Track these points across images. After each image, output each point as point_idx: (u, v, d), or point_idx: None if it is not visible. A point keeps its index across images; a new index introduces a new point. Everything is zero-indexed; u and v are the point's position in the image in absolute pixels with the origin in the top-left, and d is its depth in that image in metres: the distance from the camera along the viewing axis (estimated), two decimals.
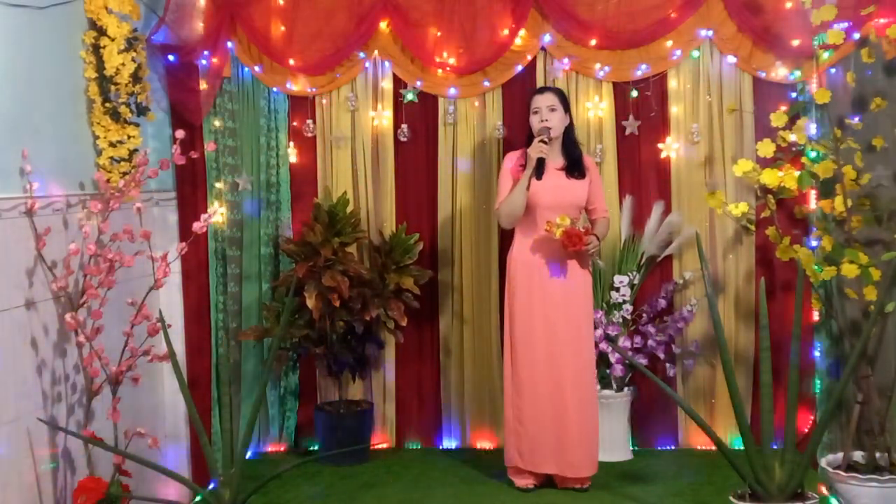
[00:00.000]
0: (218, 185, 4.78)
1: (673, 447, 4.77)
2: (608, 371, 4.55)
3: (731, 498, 3.49)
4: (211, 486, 3.71)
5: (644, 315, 4.63)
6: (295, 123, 4.84)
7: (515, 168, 4.13)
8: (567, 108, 4.15)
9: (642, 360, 4.47)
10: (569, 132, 4.18)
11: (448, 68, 4.63)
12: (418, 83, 4.72)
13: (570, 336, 4.05)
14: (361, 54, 4.71)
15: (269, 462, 4.73)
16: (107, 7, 4.01)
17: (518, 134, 4.47)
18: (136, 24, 4.23)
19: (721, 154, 4.66)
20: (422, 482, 4.34)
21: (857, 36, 4.19)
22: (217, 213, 4.62)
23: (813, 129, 4.38)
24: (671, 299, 4.70)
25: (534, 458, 4.09)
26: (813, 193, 4.42)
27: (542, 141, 3.99)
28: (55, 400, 3.66)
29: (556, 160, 4.13)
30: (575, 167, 4.14)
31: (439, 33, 4.61)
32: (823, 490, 4.00)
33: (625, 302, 4.59)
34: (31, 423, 3.47)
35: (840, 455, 4.03)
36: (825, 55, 4.18)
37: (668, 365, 4.63)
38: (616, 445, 4.57)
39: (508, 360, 4.14)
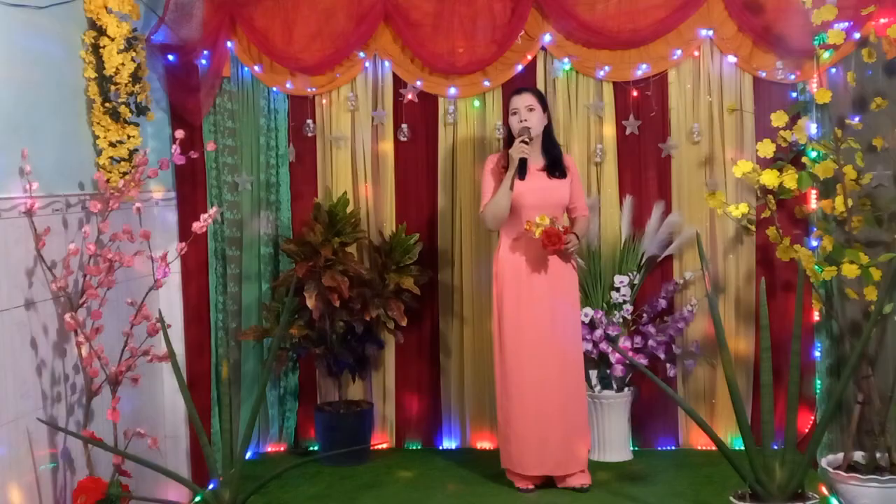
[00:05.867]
0: (218, 185, 4.78)
1: (673, 447, 4.77)
2: (608, 371, 4.55)
3: (731, 498, 3.48)
4: (211, 486, 3.70)
5: (644, 315, 4.63)
6: (295, 123, 4.84)
7: (497, 170, 4.14)
8: (545, 108, 4.16)
9: (642, 361, 4.46)
10: (548, 132, 4.19)
11: (448, 68, 4.63)
12: (418, 83, 4.72)
13: (557, 334, 4.05)
14: (361, 54, 4.71)
15: (269, 462, 4.73)
16: (107, 7, 4.01)
17: None
18: (135, 23, 4.23)
19: (721, 154, 4.65)
20: (422, 482, 4.34)
21: (857, 36, 4.19)
22: (217, 213, 4.62)
23: (813, 129, 4.37)
24: (671, 299, 4.70)
25: (522, 460, 4.09)
26: (813, 193, 4.41)
27: (523, 141, 4.00)
28: (55, 400, 3.66)
29: (536, 161, 4.13)
30: (556, 167, 4.15)
31: (439, 33, 4.60)
32: (824, 490, 4.00)
33: (625, 302, 4.59)
34: (30, 423, 3.47)
35: (840, 455, 4.02)
36: (825, 55, 4.18)
37: (668, 365, 4.62)
38: (616, 445, 4.57)
39: (498, 361, 4.15)
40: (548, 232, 3.92)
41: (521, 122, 4.07)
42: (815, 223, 4.38)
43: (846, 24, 4.10)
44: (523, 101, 4.11)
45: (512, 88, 4.36)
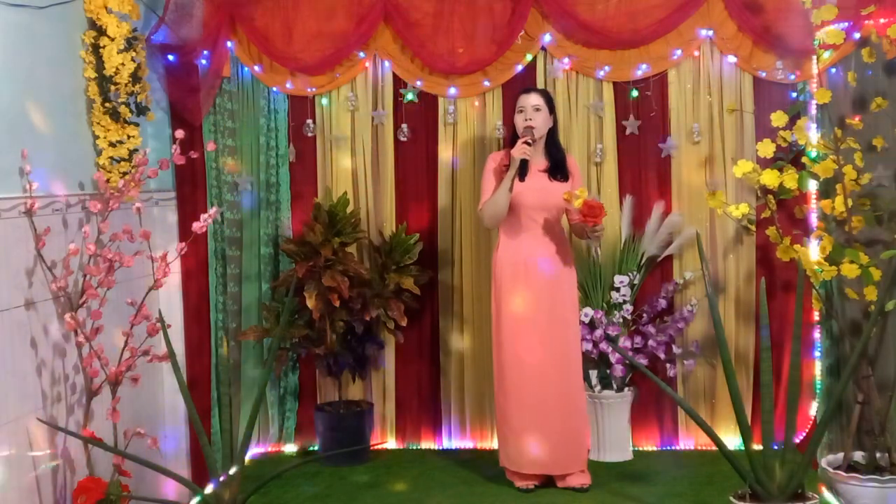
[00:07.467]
0: (218, 185, 4.78)
1: (673, 447, 4.77)
2: (608, 371, 4.55)
3: (731, 498, 3.49)
4: (211, 486, 3.70)
5: (644, 315, 4.63)
6: (295, 123, 4.84)
7: (499, 168, 4.14)
8: (552, 110, 4.15)
9: (642, 361, 4.46)
10: (553, 134, 4.18)
11: (448, 68, 4.63)
12: (418, 83, 4.72)
13: (557, 334, 4.05)
14: (361, 54, 4.71)
15: (269, 462, 4.73)
16: (106, 7, 4.01)
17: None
18: (135, 23, 4.23)
19: (721, 154, 4.66)
20: (422, 482, 4.33)
21: (857, 36, 4.19)
22: (217, 213, 4.62)
23: (813, 129, 4.37)
24: (671, 299, 4.70)
25: (520, 460, 4.09)
26: (813, 193, 4.41)
27: (525, 142, 3.99)
28: (55, 400, 3.66)
29: (539, 161, 4.13)
30: (558, 169, 4.14)
31: (439, 33, 4.60)
32: (824, 490, 4.00)
33: (625, 302, 4.59)
34: (31, 423, 3.47)
35: (840, 455, 4.03)
36: (825, 55, 4.18)
37: (668, 365, 4.62)
38: (616, 445, 4.57)
39: (497, 361, 4.14)
40: (589, 204, 3.86)
41: (525, 121, 4.07)
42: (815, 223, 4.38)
43: (846, 24, 4.10)
44: (531, 100, 4.10)
45: (512, 88, 4.36)
